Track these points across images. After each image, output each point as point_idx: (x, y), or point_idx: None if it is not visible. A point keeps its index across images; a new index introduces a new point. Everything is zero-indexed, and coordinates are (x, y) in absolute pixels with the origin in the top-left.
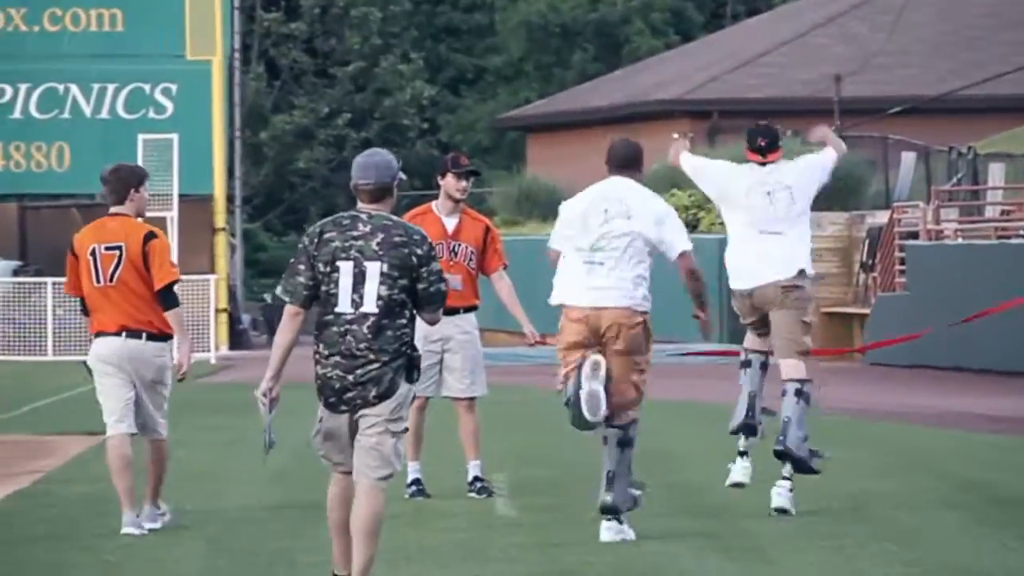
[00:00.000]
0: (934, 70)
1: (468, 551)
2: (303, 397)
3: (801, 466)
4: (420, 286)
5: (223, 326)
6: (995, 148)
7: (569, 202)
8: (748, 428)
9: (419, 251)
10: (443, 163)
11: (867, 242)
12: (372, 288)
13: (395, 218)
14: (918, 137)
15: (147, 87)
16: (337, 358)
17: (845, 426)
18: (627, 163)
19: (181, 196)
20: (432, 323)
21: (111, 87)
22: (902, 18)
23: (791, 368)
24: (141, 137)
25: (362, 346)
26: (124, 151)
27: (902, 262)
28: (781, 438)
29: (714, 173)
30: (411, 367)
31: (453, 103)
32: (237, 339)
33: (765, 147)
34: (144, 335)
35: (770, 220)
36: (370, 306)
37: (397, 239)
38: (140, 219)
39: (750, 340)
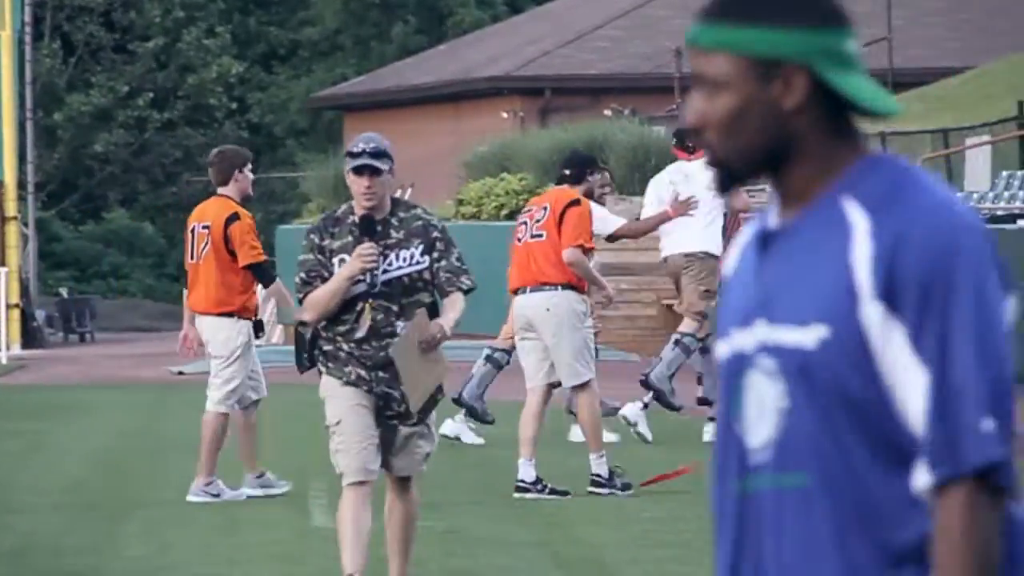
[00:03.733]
0: None
1: (284, 559)
2: (101, 398)
3: (660, 398)
4: None
5: (15, 323)
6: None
7: None
8: None
9: None
10: None
11: None
12: None
13: None
14: None
15: None
16: None
17: None
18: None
19: None
20: None
21: None
22: None
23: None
24: None
25: None
26: None
27: None
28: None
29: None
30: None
31: (264, 81)
32: (30, 337)
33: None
34: (213, 314)
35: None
36: None
37: None
38: (245, 199)
39: None
